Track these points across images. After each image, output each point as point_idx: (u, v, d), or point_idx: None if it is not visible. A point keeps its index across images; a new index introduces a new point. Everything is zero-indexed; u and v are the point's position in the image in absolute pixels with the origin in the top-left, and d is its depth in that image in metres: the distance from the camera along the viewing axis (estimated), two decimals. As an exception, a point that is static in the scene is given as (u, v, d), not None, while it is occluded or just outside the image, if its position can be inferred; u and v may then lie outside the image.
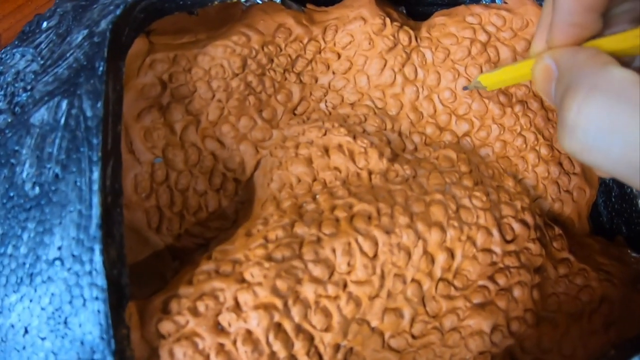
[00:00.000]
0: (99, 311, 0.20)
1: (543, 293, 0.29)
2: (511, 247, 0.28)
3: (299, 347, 0.23)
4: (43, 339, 0.21)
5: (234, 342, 0.23)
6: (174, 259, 0.29)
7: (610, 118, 0.17)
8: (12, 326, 0.21)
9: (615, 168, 0.17)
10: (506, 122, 0.32)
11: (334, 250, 0.25)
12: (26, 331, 0.21)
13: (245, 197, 0.30)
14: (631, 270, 0.31)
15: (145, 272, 0.29)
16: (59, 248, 0.21)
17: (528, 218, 0.29)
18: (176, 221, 0.29)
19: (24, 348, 0.21)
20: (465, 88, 0.28)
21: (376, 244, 0.25)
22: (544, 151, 0.33)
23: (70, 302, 0.21)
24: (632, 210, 0.30)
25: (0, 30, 0.47)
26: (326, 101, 0.32)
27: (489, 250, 0.28)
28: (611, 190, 0.33)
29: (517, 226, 0.29)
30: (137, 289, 0.28)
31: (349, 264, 0.25)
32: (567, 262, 0.30)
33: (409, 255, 0.26)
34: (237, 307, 0.23)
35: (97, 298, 0.21)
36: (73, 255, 0.21)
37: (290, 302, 0.24)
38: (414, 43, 0.32)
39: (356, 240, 0.25)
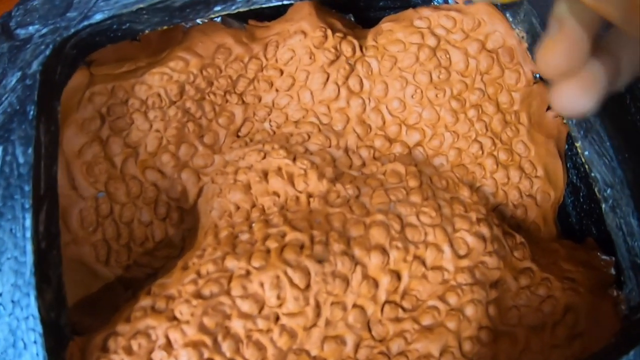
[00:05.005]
0: (37, 354, 0.21)
1: (502, 307, 0.28)
2: (464, 263, 0.27)
3: (233, 381, 0.23)
4: (-10, 382, 0.22)
5: (166, 382, 0.23)
6: (126, 289, 0.29)
7: None
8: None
9: None
10: (460, 129, 0.31)
11: (262, 284, 0.24)
12: (-29, 375, 0.22)
13: (192, 223, 0.30)
14: (600, 275, 0.30)
15: (98, 303, 0.29)
16: (0, 294, 0.22)
17: (484, 230, 0.28)
18: (124, 253, 0.29)
19: (-33, 392, 0.22)
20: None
21: (308, 274, 0.25)
22: (502, 156, 0.31)
23: (14, 345, 0.22)
24: (602, 211, 0.29)
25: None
26: (270, 120, 0.31)
27: (439, 268, 0.27)
28: (579, 191, 0.32)
29: (471, 240, 0.28)
30: (92, 320, 0.28)
31: (278, 297, 0.24)
32: (529, 271, 0.29)
33: (346, 282, 0.25)
34: (168, 345, 0.24)
35: (35, 342, 0.22)
36: (12, 301, 0.22)
37: (220, 337, 0.24)
38: (358, 53, 0.31)
39: (285, 273, 0.24)
